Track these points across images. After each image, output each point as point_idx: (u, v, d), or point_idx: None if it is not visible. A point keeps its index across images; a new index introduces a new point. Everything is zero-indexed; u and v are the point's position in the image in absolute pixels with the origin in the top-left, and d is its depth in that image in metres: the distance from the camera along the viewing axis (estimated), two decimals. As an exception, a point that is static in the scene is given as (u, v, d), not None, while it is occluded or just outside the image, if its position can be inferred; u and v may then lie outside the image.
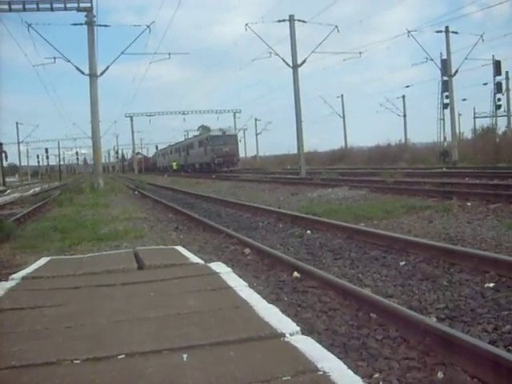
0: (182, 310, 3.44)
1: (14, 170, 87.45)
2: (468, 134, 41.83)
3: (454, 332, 3.43)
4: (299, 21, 27.85)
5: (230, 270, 4.83)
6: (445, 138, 34.89)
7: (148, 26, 25.78)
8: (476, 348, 3.11)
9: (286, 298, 4.95)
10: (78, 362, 2.59)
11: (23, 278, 4.86)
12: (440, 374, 3.10)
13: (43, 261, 5.95)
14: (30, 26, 24.16)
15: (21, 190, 35.00)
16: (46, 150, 78.83)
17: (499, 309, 4.20)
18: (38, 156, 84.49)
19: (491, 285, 4.87)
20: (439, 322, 3.92)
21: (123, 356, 2.64)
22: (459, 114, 40.62)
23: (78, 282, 4.58)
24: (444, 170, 23.26)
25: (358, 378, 2.29)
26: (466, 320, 4.01)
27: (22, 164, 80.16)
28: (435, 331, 3.46)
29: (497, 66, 36.15)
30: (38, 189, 34.43)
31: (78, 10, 24.81)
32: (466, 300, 4.50)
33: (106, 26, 25.96)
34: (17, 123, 67.44)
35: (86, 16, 25.14)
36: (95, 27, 25.35)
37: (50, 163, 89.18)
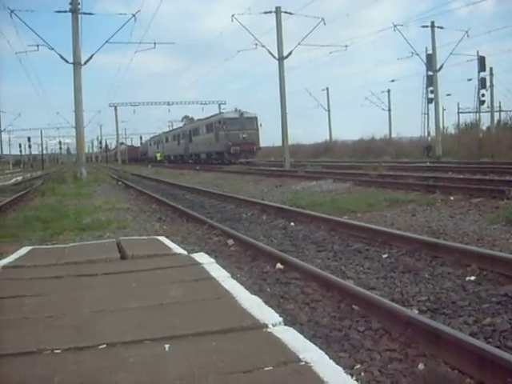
0: (165, 301, 3.42)
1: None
2: (451, 129, 42.24)
3: (435, 324, 3.46)
4: (286, 12, 27.72)
5: (213, 260, 4.80)
6: (429, 133, 35.15)
7: (133, 15, 25.54)
8: (457, 340, 3.14)
9: (268, 289, 4.96)
10: (58, 351, 2.56)
11: (3, 267, 4.79)
12: (421, 366, 3.12)
13: (24, 250, 5.87)
14: (12, 11, 23.66)
15: (2, 179, 34.58)
16: (29, 139, 77.74)
17: (480, 301, 4.25)
18: (20, 145, 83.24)
19: (472, 278, 4.92)
20: (421, 314, 3.96)
21: (104, 346, 2.61)
22: (443, 109, 40.87)
23: (59, 271, 4.53)
24: (428, 164, 23.41)
25: (339, 369, 2.29)
26: (447, 312, 4.05)
27: (4, 153, 79.21)
28: (417, 323, 3.49)
29: (481, 61, 36.40)
30: (19, 178, 34.03)
31: (62, -4, 24.51)
32: (448, 293, 4.54)
33: (90, 13, 25.65)
34: (-2, 111, 66.45)
35: (70, 3, 24.78)
36: (80, 15, 25.01)
37: (33, 152, 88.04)
